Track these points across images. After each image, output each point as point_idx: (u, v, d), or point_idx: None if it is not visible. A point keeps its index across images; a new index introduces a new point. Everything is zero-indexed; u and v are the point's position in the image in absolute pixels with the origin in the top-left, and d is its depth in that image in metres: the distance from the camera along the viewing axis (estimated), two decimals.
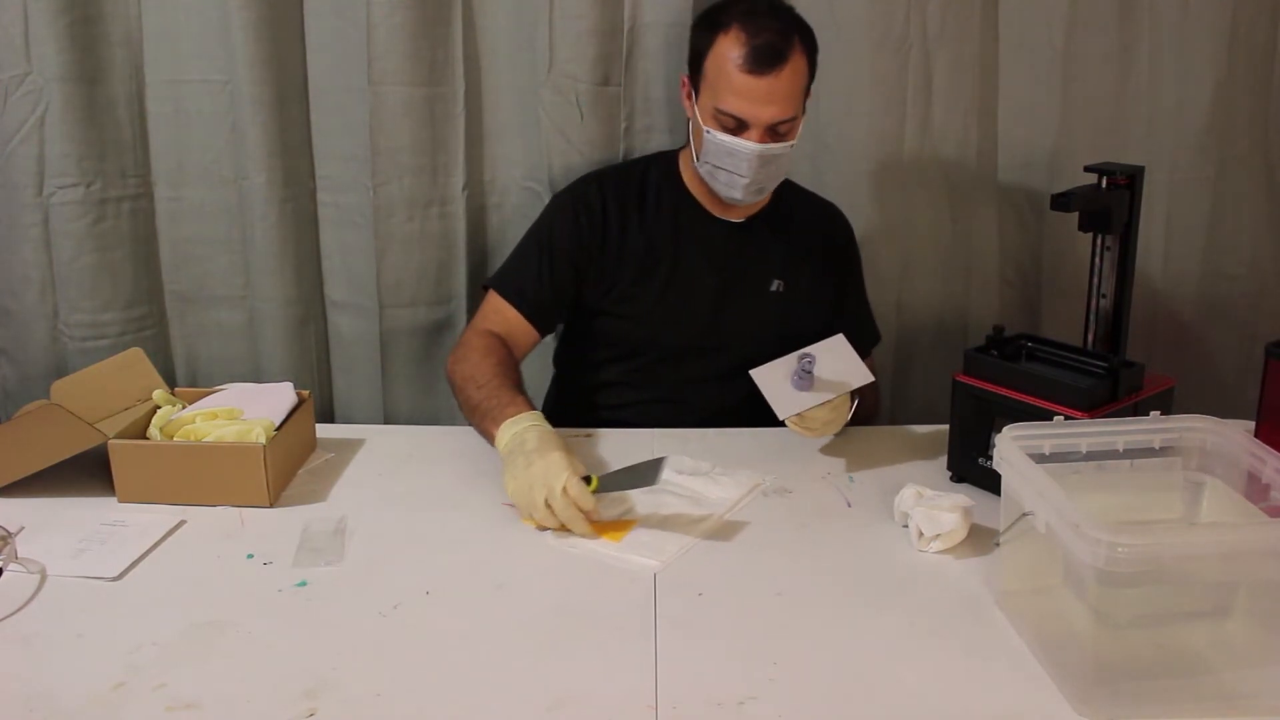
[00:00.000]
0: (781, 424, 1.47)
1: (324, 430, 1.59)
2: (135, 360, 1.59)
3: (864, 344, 1.73)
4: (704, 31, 1.53)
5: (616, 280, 1.63)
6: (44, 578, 1.20)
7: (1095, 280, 1.54)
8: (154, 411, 1.49)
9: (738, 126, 1.49)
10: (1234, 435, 1.14)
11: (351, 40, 1.71)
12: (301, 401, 1.52)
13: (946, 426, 1.46)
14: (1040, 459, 1.12)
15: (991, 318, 1.82)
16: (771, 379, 1.49)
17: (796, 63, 1.48)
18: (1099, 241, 1.52)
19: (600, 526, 1.28)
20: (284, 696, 0.99)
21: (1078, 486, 1.10)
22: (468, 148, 1.78)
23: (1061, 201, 1.46)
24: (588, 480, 1.28)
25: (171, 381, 1.81)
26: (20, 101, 1.67)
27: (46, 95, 1.67)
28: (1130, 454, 1.17)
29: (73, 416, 1.38)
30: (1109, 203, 1.49)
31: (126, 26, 1.70)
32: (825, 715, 0.99)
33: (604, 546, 1.26)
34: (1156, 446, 1.18)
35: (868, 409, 1.65)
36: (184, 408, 1.49)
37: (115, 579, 1.20)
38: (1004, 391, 1.37)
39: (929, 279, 1.91)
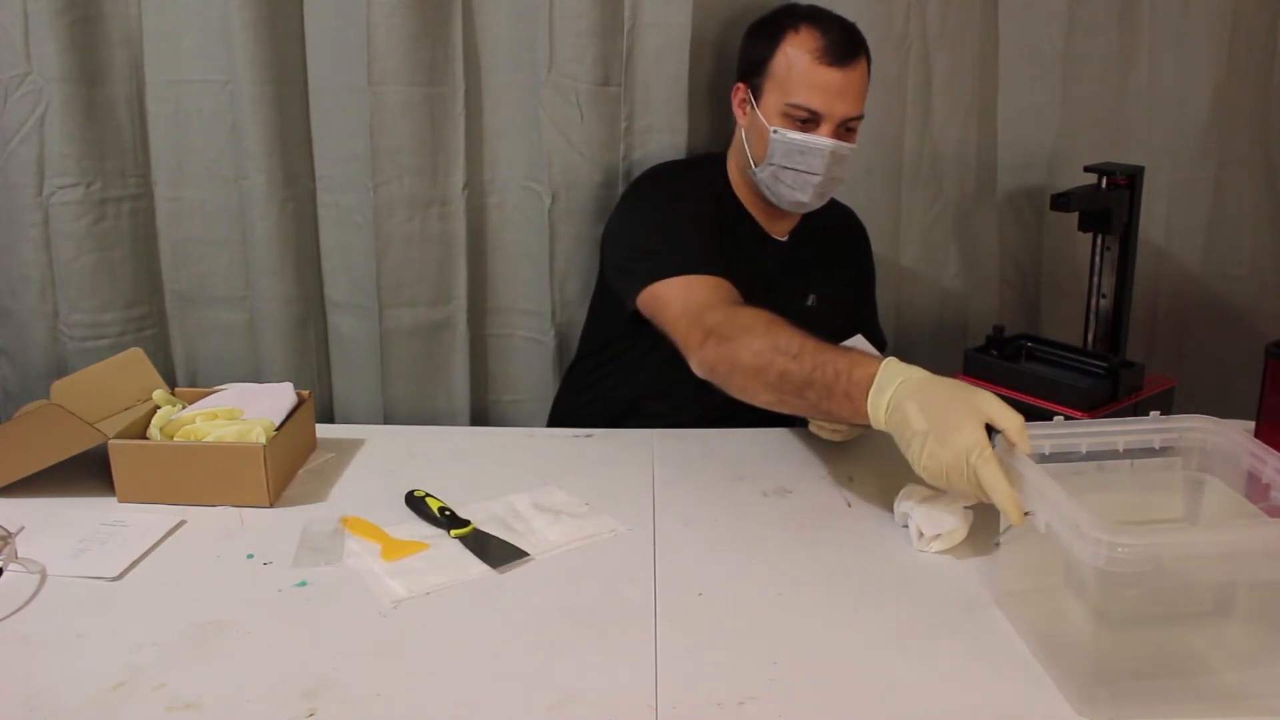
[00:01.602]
0: (786, 425, 1.46)
1: (324, 430, 1.59)
2: (135, 360, 1.59)
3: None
4: (764, 37, 1.53)
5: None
6: (44, 578, 1.20)
7: (1095, 280, 1.54)
8: (154, 411, 1.49)
9: (809, 122, 1.49)
10: (1234, 435, 1.14)
11: (351, 40, 1.71)
12: (301, 401, 1.52)
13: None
14: (1040, 459, 1.12)
15: (991, 318, 1.82)
16: None
17: (863, 63, 1.51)
18: (1099, 241, 1.53)
19: (391, 543, 1.26)
20: (284, 696, 0.99)
21: (1078, 487, 1.09)
22: (468, 148, 1.78)
23: (1061, 201, 1.46)
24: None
25: (171, 381, 1.81)
26: (20, 101, 1.67)
27: (46, 95, 1.67)
28: (1130, 454, 1.17)
29: (73, 416, 1.38)
30: (1109, 203, 1.49)
31: (126, 26, 1.71)
32: (825, 715, 0.99)
33: (374, 561, 1.23)
34: (1156, 446, 1.17)
35: None
36: (184, 408, 1.49)
37: (115, 579, 1.20)
38: (1004, 391, 1.37)
39: (929, 279, 1.91)
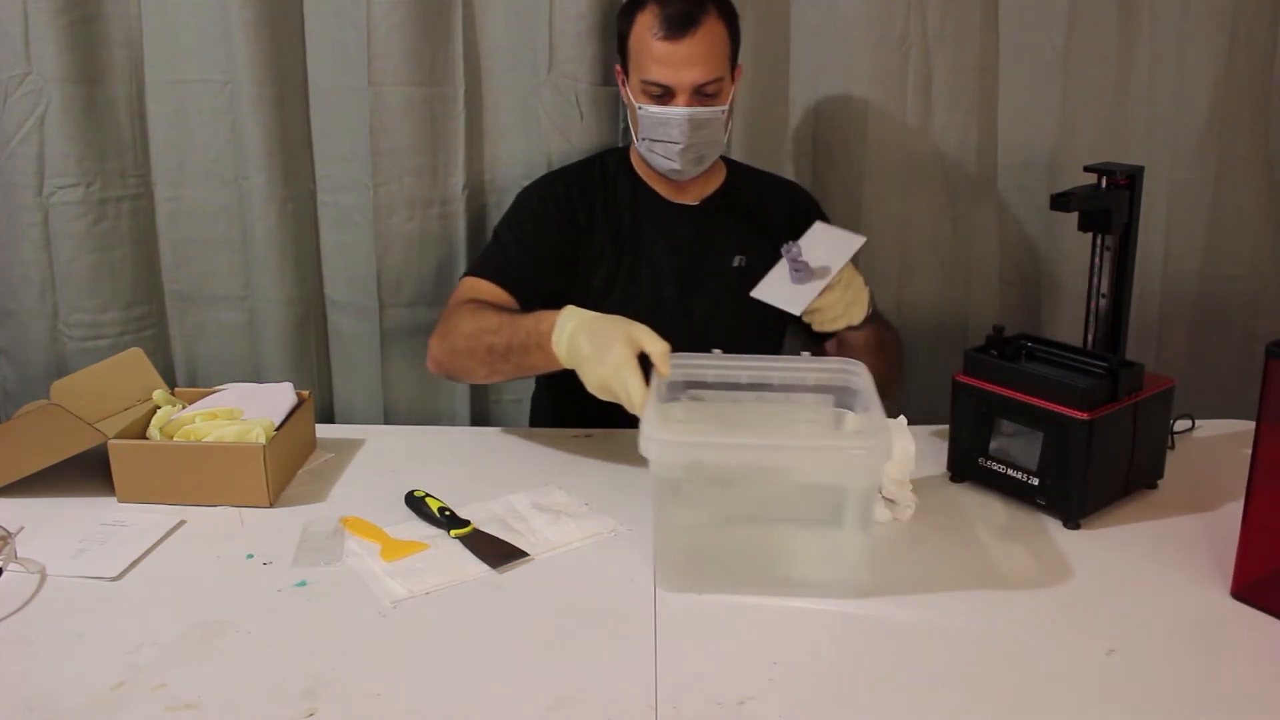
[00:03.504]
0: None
1: (324, 430, 1.59)
2: (135, 360, 1.59)
3: None
4: (625, 16, 1.58)
5: (591, 273, 1.64)
6: (44, 578, 1.20)
7: (1095, 280, 1.53)
8: (154, 411, 1.49)
9: (664, 95, 1.53)
10: (867, 378, 1.27)
11: (351, 40, 1.71)
12: (301, 401, 1.52)
13: (946, 426, 1.46)
14: (703, 385, 1.33)
15: (991, 318, 1.82)
16: (772, 287, 1.47)
17: (712, 26, 1.52)
18: (1099, 241, 1.52)
19: (390, 543, 1.26)
20: (283, 696, 0.99)
21: (737, 413, 1.33)
22: (468, 148, 1.78)
23: (1061, 201, 1.46)
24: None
25: (171, 381, 1.81)
26: (20, 101, 1.67)
27: (46, 95, 1.67)
28: (785, 388, 1.34)
29: (73, 416, 1.38)
30: (1109, 203, 1.49)
31: (126, 26, 1.71)
32: (825, 715, 0.99)
33: (373, 561, 1.23)
34: (809, 384, 1.33)
35: (889, 359, 1.64)
36: (184, 408, 1.49)
37: (115, 579, 1.20)
38: (1004, 391, 1.37)
39: (929, 279, 1.91)
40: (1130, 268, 1.52)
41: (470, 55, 1.75)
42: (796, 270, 1.44)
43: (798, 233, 1.71)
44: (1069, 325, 1.86)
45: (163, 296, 1.84)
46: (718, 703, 0.99)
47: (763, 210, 1.70)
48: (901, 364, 1.75)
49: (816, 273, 1.44)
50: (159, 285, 1.83)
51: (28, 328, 1.78)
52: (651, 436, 1.11)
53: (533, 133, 1.79)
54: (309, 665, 1.04)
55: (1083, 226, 1.53)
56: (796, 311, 1.43)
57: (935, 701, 1.00)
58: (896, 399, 1.76)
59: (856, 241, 1.46)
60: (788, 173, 1.85)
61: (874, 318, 1.53)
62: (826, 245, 1.47)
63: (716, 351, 1.37)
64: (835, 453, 1.19)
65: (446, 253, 1.82)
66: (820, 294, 1.43)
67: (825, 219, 1.75)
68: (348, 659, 1.05)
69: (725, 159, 1.72)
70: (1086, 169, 1.53)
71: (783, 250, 1.44)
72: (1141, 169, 1.51)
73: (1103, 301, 1.53)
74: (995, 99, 1.85)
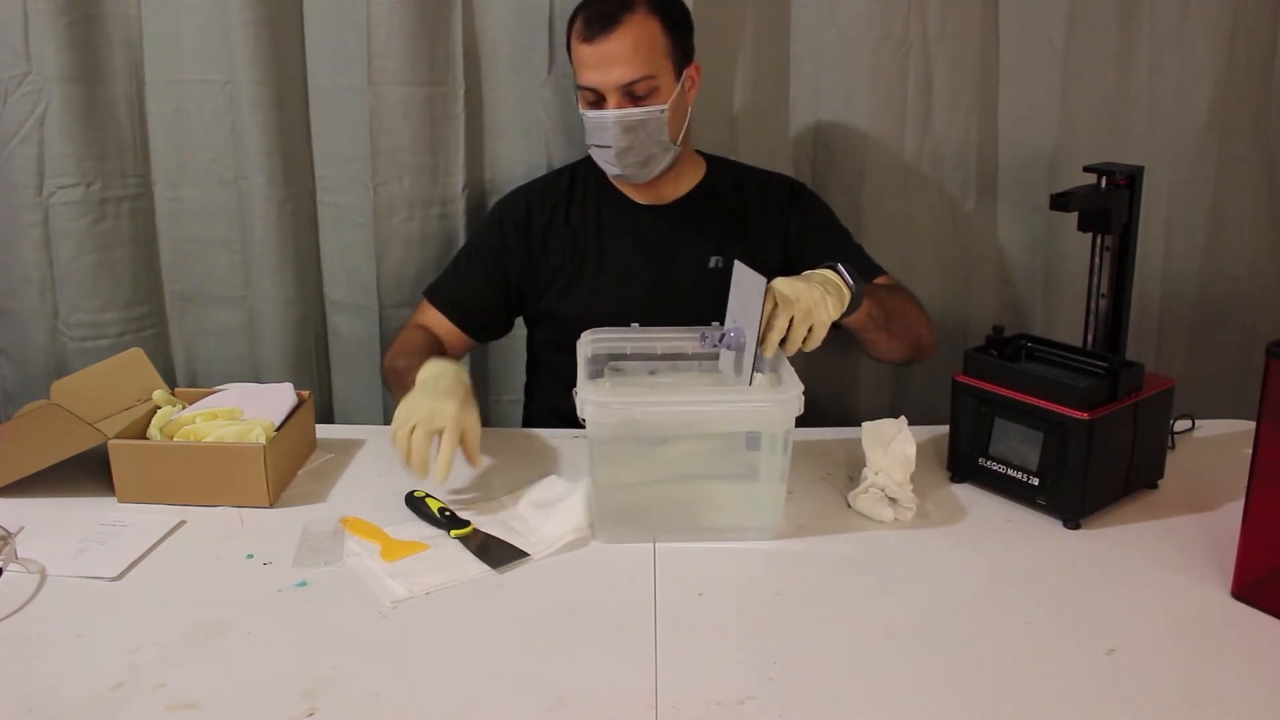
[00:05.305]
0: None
1: (324, 430, 1.59)
2: (135, 360, 1.59)
3: (870, 279, 1.62)
4: (569, 25, 1.57)
5: (552, 281, 1.65)
6: (44, 578, 1.20)
7: (1095, 280, 1.54)
8: (154, 411, 1.49)
9: (597, 99, 1.53)
10: (782, 354, 1.34)
11: (351, 40, 1.71)
12: (301, 402, 1.52)
13: (946, 427, 1.46)
14: (623, 357, 1.45)
15: (991, 318, 1.81)
16: (725, 365, 1.41)
17: (636, 23, 1.50)
18: (1099, 241, 1.52)
19: (390, 544, 1.26)
20: (283, 696, 0.99)
21: (659, 380, 1.45)
22: (468, 148, 1.78)
23: (1061, 201, 1.46)
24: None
25: (171, 381, 1.81)
26: (20, 101, 1.67)
27: (46, 95, 1.67)
28: (697, 357, 1.45)
29: (73, 416, 1.38)
30: (1109, 203, 1.49)
31: (126, 26, 1.71)
32: (825, 715, 0.99)
33: (373, 561, 1.23)
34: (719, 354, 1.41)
35: (912, 331, 1.60)
36: (184, 408, 1.49)
37: (115, 579, 1.20)
38: (1004, 391, 1.37)
39: (929, 279, 1.91)
40: (1130, 268, 1.52)
41: (470, 55, 1.75)
42: (730, 348, 1.37)
43: (785, 221, 1.68)
44: (1069, 325, 1.86)
45: (163, 296, 1.84)
46: (718, 703, 0.99)
47: (741, 207, 1.68)
48: (926, 316, 1.65)
49: (748, 328, 1.33)
50: (159, 285, 1.84)
51: (28, 328, 1.78)
52: (588, 399, 1.23)
53: (533, 133, 1.79)
54: (309, 665, 1.04)
55: (1083, 226, 1.53)
56: (748, 384, 1.34)
57: (935, 703, 1.00)
58: (934, 347, 1.68)
59: (759, 284, 1.31)
60: (788, 173, 1.85)
61: (858, 300, 1.40)
62: (740, 293, 1.37)
63: (634, 325, 1.46)
64: (751, 405, 1.32)
65: (446, 253, 1.81)
66: (761, 347, 1.32)
67: (813, 201, 1.72)
68: (348, 659, 1.05)
69: (709, 156, 1.71)
70: (1086, 169, 1.53)
71: (699, 342, 1.40)
72: (1141, 169, 1.51)
73: (1103, 301, 1.54)
74: (995, 99, 1.85)
